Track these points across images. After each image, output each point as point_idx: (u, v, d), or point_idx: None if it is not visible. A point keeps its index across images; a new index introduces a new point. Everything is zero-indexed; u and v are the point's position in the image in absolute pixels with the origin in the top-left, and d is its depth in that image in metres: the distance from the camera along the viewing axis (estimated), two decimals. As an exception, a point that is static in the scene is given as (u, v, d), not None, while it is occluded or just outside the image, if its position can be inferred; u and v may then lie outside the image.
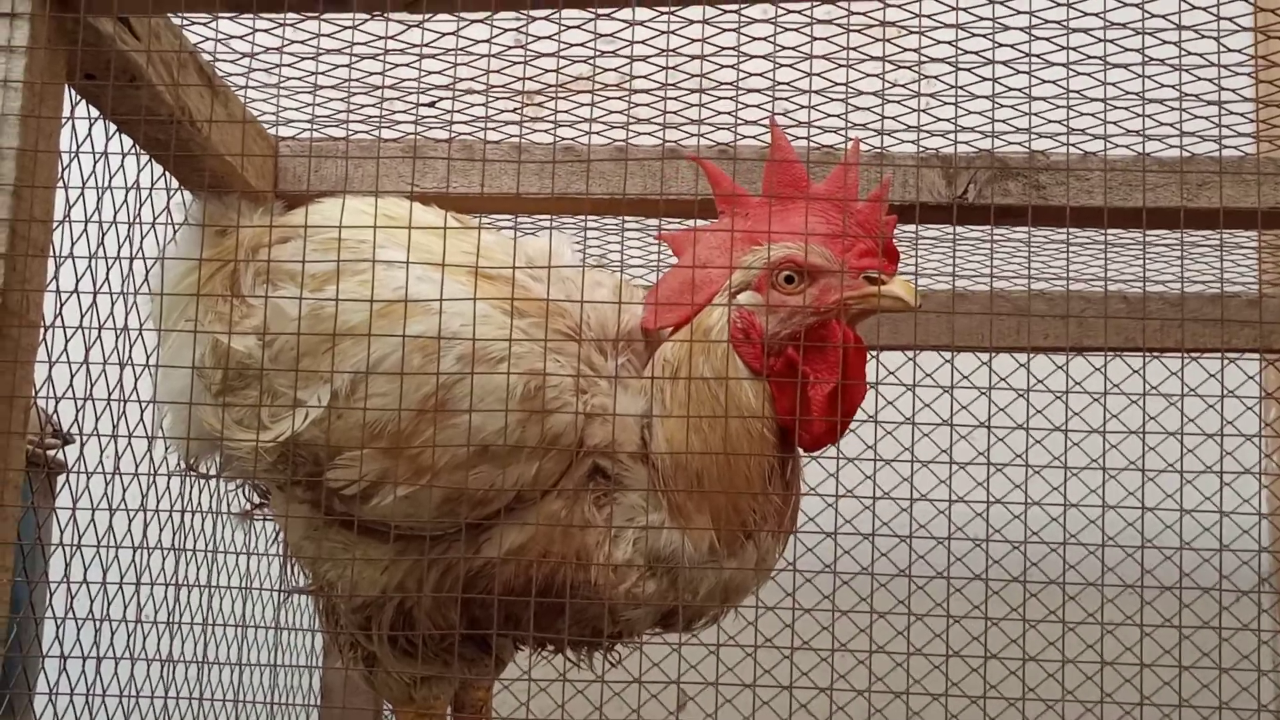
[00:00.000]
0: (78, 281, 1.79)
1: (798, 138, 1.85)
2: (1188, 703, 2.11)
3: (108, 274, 1.85)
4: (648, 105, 1.97)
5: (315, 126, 2.05)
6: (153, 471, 1.92)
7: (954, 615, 1.77)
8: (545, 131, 2.04)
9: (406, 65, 1.82)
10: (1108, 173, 1.94)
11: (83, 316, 1.82)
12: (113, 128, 1.81)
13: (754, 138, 2.10)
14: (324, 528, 1.73)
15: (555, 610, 1.68)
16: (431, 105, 1.97)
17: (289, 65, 1.79)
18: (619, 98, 1.90)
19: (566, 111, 1.93)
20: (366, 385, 1.63)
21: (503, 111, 1.97)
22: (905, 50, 1.89)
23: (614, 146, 2.10)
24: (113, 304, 1.87)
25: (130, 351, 1.91)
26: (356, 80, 1.86)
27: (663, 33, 1.80)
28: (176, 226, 1.89)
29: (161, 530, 1.91)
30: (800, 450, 1.71)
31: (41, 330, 1.59)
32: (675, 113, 1.97)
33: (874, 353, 2.82)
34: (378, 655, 1.78)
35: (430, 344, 1.62)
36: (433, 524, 1.66)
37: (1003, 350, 2.78)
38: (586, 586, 1.68)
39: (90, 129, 1.78)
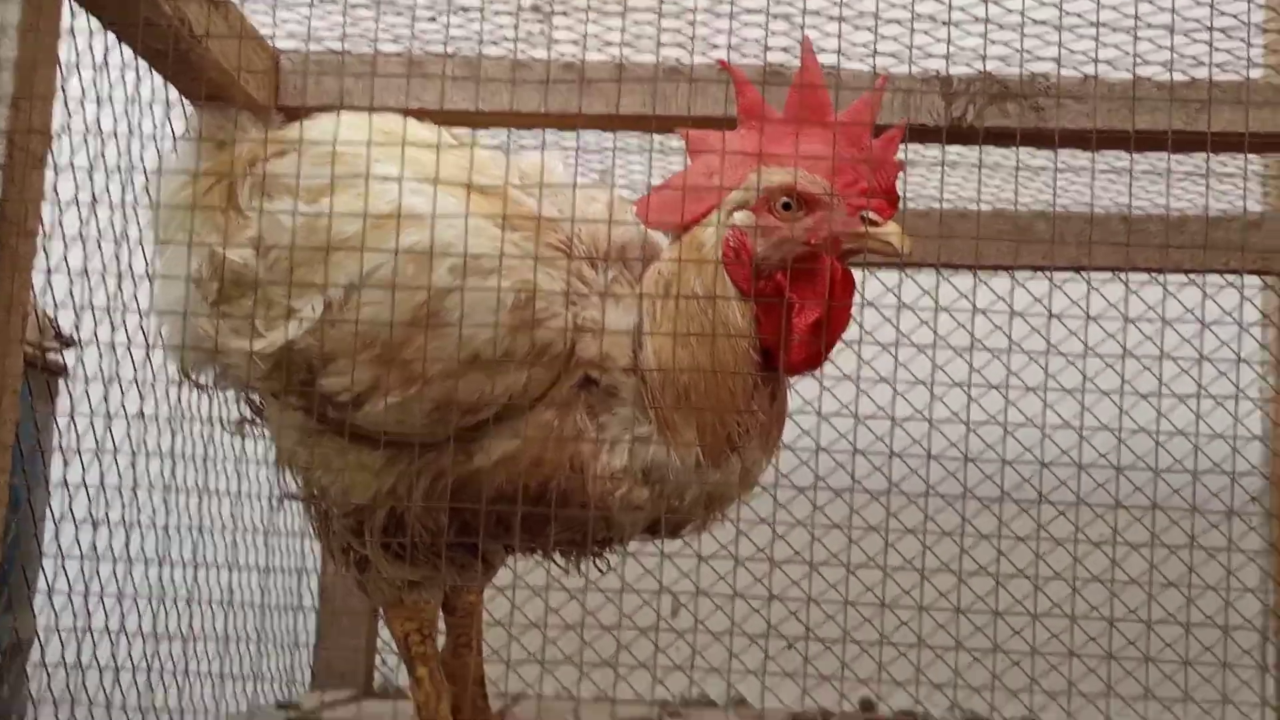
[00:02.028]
0: (77, 192, 1.81)
1: (794, 57, 1.85)
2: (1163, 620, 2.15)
3: (106, 185, 1.86)
4: (647, 23, 1.96)
5: (315, 40, 2.05)
6: (151, 380, 1.95)
7: (930, 530, 1.80)
8: (543, 48, 2.04)
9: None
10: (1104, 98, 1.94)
11: (82, 226, 1.83)
12: (112, 38, 1.82)
13: (752, 56, 2.10)
14: (317, 435, 1.77)
15: (547, 517, 1.71)
16: (431, 20, 1.97)
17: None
18: (617, 13, 1.90)
19: (564, 28, 1.93)
20: (359, 295, 1.66)
21: (502, 27, 1.97)
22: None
23: (612, 64, 2.10)
24: (111, 214, 1.88)
25: (129, 261, 1.93)
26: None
27: (660, -50, 1.79)
28: (176, 138, 1.90)
29: (159, 437, 1.95)
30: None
31: (39, 239, 1.61)
32: (673, 30, 1.97)
33: (872, 270, 2.83)
34: (370, 560, 1.81)
35: (423, 256, 1.65)
36: (423, 431, 1.69)
37: (1026, 267, 2.78)
38: (580, 494, 1.71)
39: (90, 40, 1.78)
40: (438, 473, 1.72)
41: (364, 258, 1.66)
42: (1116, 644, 2.23)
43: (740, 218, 1.69)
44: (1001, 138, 2.06)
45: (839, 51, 1.79)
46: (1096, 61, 1.87)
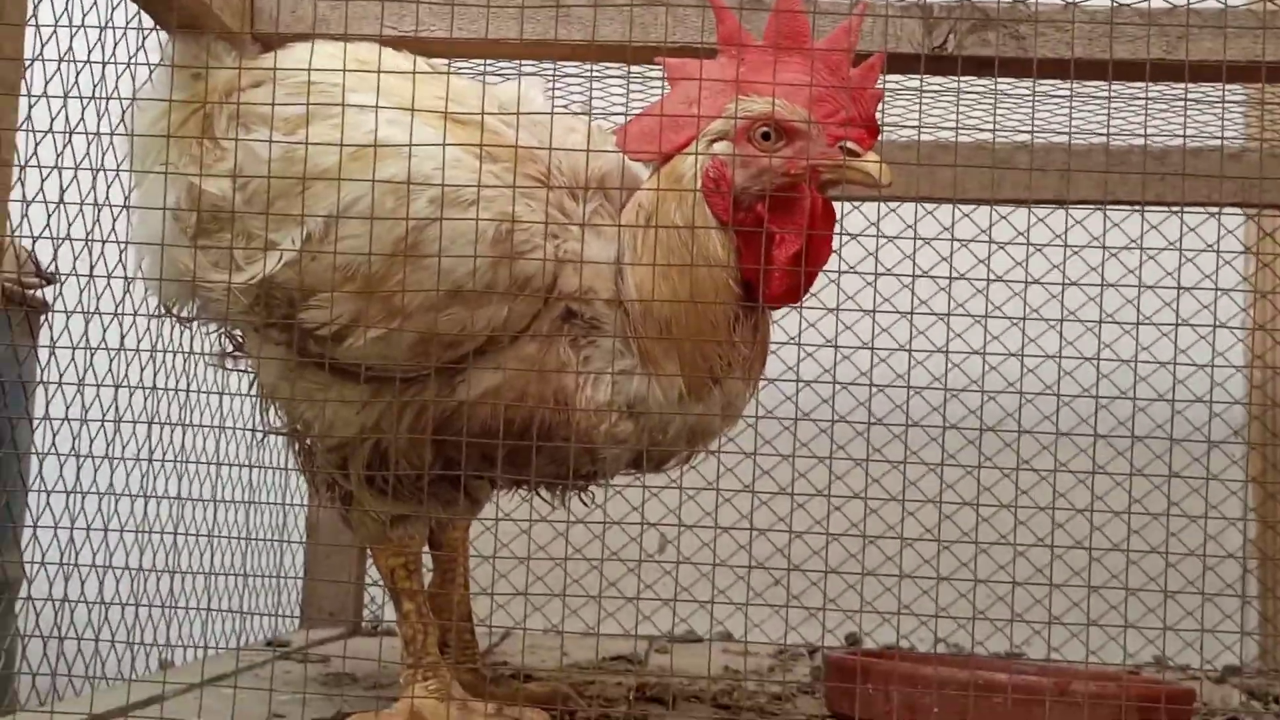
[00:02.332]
0: (52, 121, 1.79)
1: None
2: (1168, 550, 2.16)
3: (82, 113, 1.85)
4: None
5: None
6: (134, 312, 1.94)
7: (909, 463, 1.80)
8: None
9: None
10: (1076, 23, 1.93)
11: (58, 156, 1.82)
12: (85, -36, 1.80)
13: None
14: (299, 369, 1.76)
15: (530, 451, 1.71)
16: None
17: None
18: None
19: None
20: (337, 228, 1.65)
21: (478, -46, 1.95)
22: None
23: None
24: (88, 144, 1.86)
25: (107, 192, 1.91)
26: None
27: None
28: (151, 67, 1.88)
29: (143, 370, 1.94)
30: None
31: (16, 170, 1.59)
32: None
33: (855, 204, 2.83)
34: (354, 495, 1.81)
35: (402, 188, 1.64)
36: (406, 365, 1.68)
37: (1004, 201, 2.78)
38: (564, 427, 1.71)
39: (63, -34, 1.76)
40: (421, 407, 1.71)
41: (341, 189, 1.65)
42: (1097, 577, 2.23)
43: (720, 148, 1.68)
44: (981, 66, 2.04)
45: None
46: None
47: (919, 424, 2.04)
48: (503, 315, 1.66)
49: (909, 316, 1.75)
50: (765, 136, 1.67)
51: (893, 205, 2.89)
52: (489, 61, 2.31)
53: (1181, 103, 2.34)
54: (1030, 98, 2.61)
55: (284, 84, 1.75)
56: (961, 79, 2.38)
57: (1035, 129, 2.72)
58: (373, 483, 1.79)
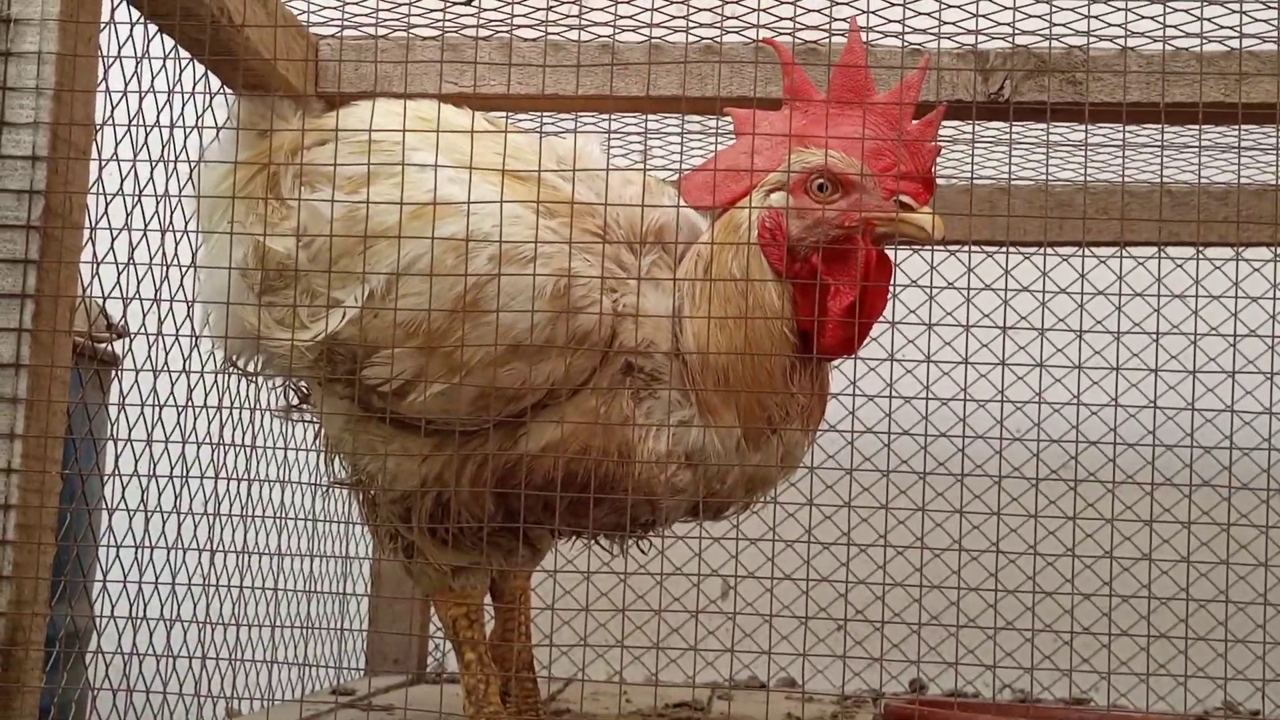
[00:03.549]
0: (121, 183, 1.83)
1: (821, 29, 1.86)
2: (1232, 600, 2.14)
3: (151, 174, 1.89)
4: (680, 2, 1.97)
5: (352, 25, 2.07)
6: (201, 368, 1.97)
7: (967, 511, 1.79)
8: (574, 29, 2.05)
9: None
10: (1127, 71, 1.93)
11: (128, 217, 1.86)
12: (153, 29, 1.84)
13: (785, 33, 2.10)
14: (362, 422, 1.79)
15: (602, 490, 1.72)
16: (467, 3, 1.98)
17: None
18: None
19: (596, 9, 1.94)
20: (398, 286, 1.68)
21: (535, 10, 1.98)
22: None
23: (647, 44, 2.10)
24: (157, 205, 1.90)
25: (176, 251, 1.95)
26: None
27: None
28: (218, 127, 1.92)
29: (210, 425, 1.97)
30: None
31: (86, 231, 1.63)
32: (702, 10, 1.97)
33: (912, 249, 2.82)
34: (416, 545, 1.83)
35: (462, 246, 1.66)
36: (467, 419, 1.71)
37: (1057, 244, 2.77)
38: (625, 479, 1.72)
39: (131, 31, 1.81)
40: (482, 459, 1.73)
41: (402, 247, 1.68)
42: (1162, 623, 2.22)
43: (776, 199, 1.70)
44: (1036, 113, 2.05)
45: (867, 27, 1.79)
46: (1127, 33, 1.85)
47: (978, 468, 2.04)
48: (561, 370, 1.68)
49: (965, 364, 1.75)
50: (821, 188, 1.69)
51: (952, 249, 2.89)
52: (547, 115, 2.33)
53: (1237, 145, 2.33)
54: (1090, 143, 2.61)
55: (347, 143, 1.78)
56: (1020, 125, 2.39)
57: (1090, 174, 2.71)
58: (435, 534, 1.81)
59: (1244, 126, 2.24)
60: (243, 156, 1.86)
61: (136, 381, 1.92)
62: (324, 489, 2.06)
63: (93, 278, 1.80)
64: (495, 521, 1.76)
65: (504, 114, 2.12)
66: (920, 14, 1.93)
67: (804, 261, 1.69)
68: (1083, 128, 2.51)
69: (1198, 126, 2.02)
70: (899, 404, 1.96)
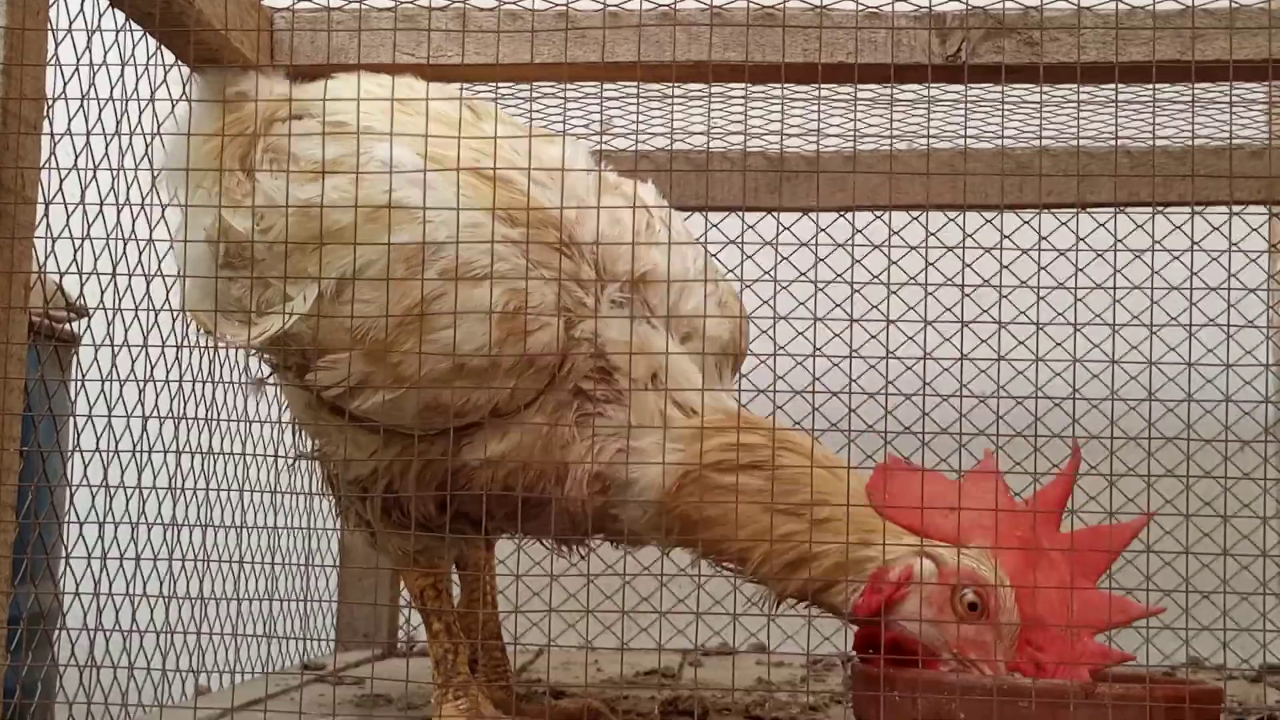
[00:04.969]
0: (76, 158, 1.80)
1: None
2: (1192, 550, 2.15)
3: (105, 149, 1.87)
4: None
5: (306, -2, 2.05)
6: (162, 343, 1.96)
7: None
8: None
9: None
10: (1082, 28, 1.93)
11: (83, 192, 1.83)
12: (104, 3, 1.82)
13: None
14: (318, 406, 1.76)
15: (536, 511, 1.72)
16: (421, -26, 1.96)
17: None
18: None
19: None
20: (352, 290, 1.64)
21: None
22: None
23: (603, 11, 2.09)
24: (114, 179, 1.88)
25: (133, 227, 1.93)
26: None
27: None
28: (190, 100, 1.88)
29: (172, 401, 1.96)
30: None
31: (39, 206, 1.62)
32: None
33: (879, 214, 2.82)
34: (374, 527, 1.83)
35: (415, 254, 1.62)
36: (415, 425, 1.69)
37: (1012, 207, 2.77)
38: (561, 500, 1.71)
39: (81, 5, 1.79)
40: (428, 460, 1.72)
41: (353, 252, 1.63)
42: (1128, 581, 2.23)
43: (926, 570, 1.61)
44: (991, 74, 2.05)
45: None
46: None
47: (943, 430, 2.04)
48: (508, 390, 1.65)
49: (924, 325, 1.75)
50: (972, 607, 1.59)
51: (914, 214, 2.89)
52: (504, 85, 2.32)
53: (1190, 103, 2.34)
54: (1048, 103, 2.61)
55: (316, 125, 1.72)
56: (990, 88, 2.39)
57: (1049, 135, 2.72)
58: (390, 515, 1.80)
59: (1198, 84, 2.25)
60: (213, 128, 1.80)
61: (96, 359, 1.91)
62: (288, 462, 2.04)
63: (48, 254, 1.79)
64: (442, 518, 1.74)
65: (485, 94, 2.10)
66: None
67: (890, 632, 1.62)
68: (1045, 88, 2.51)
69: (1152, 85, 2.02)
70: (861, 367, 1.97)
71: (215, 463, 2.04)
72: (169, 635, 2.07)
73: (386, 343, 1.63)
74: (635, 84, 2.32)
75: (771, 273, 1.76)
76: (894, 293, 1.78)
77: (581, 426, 1.69)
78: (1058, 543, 1.60)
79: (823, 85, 2.32)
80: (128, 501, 1.95)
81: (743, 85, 2.28)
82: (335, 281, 1.65)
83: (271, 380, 1.94)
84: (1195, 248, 1.86)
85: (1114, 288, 1.97)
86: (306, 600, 2.74)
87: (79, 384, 1.90)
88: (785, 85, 2.31)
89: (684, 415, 1.70)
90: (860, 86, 2.30)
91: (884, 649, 1.60)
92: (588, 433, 1.69)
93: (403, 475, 1.74)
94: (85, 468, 1.92)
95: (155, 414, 1.90)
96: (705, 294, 1.79)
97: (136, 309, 1.96)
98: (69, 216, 1.82)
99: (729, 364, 1.88)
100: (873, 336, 2.11)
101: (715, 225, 2.59)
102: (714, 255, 1.97)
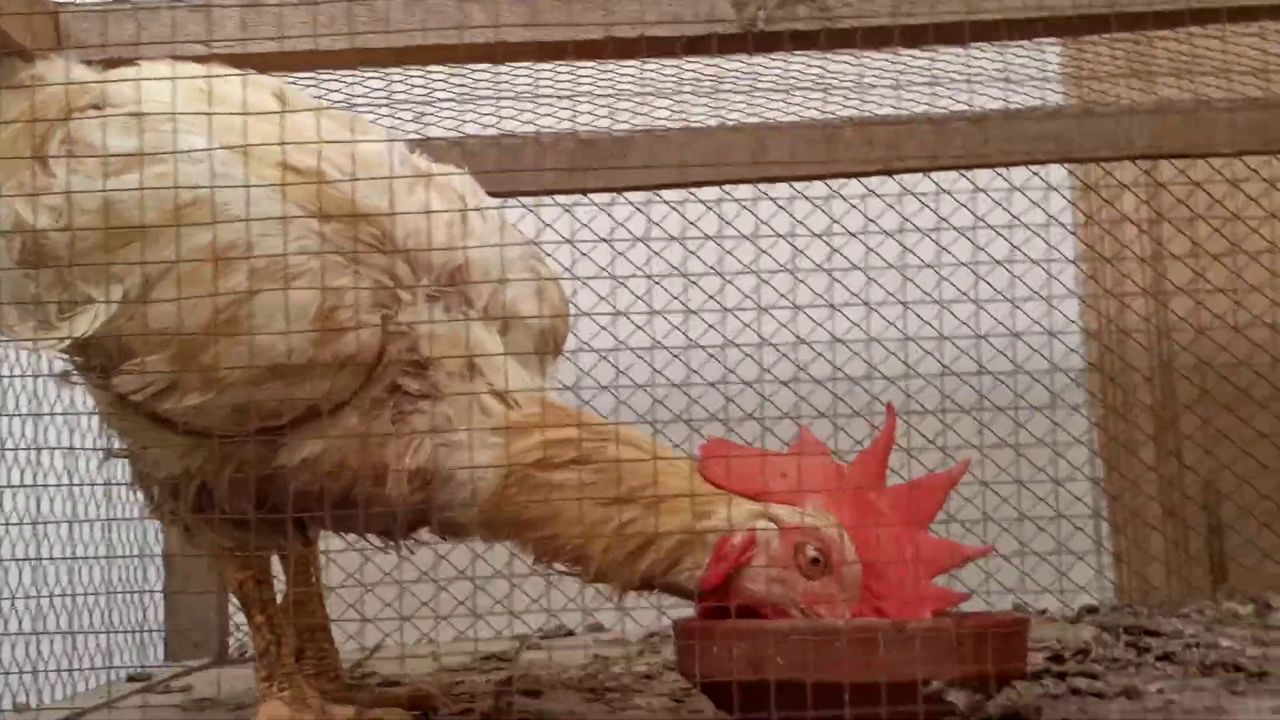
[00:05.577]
0: None
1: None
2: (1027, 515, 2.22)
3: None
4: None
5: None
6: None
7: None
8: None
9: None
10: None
11: None
12: None
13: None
14: (124, 407, 1.70)
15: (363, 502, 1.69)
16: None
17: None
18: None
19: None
20: (156, 291, 1.59)
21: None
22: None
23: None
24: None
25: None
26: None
27: None
28: None
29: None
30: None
31: None
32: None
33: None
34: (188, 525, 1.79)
35: (223, 252, 1.57)
36: (224, 428, 1.64)
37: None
38: (381, 498, 1.68)
39: None
40: (241, 462, 1.67)
41: (155, 251, 1.58)
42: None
43: (765, 535, 1.60)
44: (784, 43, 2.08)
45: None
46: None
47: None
48: (323, 390, 1.61)
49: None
50: (814, 562, 1.59)
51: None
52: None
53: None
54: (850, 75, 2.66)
55: (118, 115, 1.66)
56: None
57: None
58: (204, 511, 1.75)
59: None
60: (8, 114, 1.72)
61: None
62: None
63: None
64: (259, 513, 1.70)
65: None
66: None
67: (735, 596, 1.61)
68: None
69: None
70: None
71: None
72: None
73: (194, 345, 1.58)
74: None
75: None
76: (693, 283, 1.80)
77: (398, 423, 1.66)
78: (885, 496, 1.62)
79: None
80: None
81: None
82: (139, 281, 1.60)
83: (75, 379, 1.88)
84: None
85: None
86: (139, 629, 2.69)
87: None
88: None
89: (504, 409, 1.68)
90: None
91: (735, 615, 1.59)
92: (405, 429, 1.66)
93: (215, 475, 1.70)
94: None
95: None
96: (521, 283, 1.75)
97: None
98: None
99: (550, 356, 1.85)
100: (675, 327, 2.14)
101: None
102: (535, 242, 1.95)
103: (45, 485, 2.11)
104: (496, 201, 1.86)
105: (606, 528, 1.60)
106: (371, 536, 1.81)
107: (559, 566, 1.68)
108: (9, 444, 2.06)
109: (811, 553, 1.59)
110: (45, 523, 2.21)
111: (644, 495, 1.60)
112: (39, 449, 2.07)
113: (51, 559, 2.31)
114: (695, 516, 1.59)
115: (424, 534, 1.80)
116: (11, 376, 2.15)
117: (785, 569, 1.59)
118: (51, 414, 2.07)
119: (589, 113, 2.73)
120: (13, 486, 2.07)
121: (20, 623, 2.25)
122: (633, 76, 2.58)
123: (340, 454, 1.65)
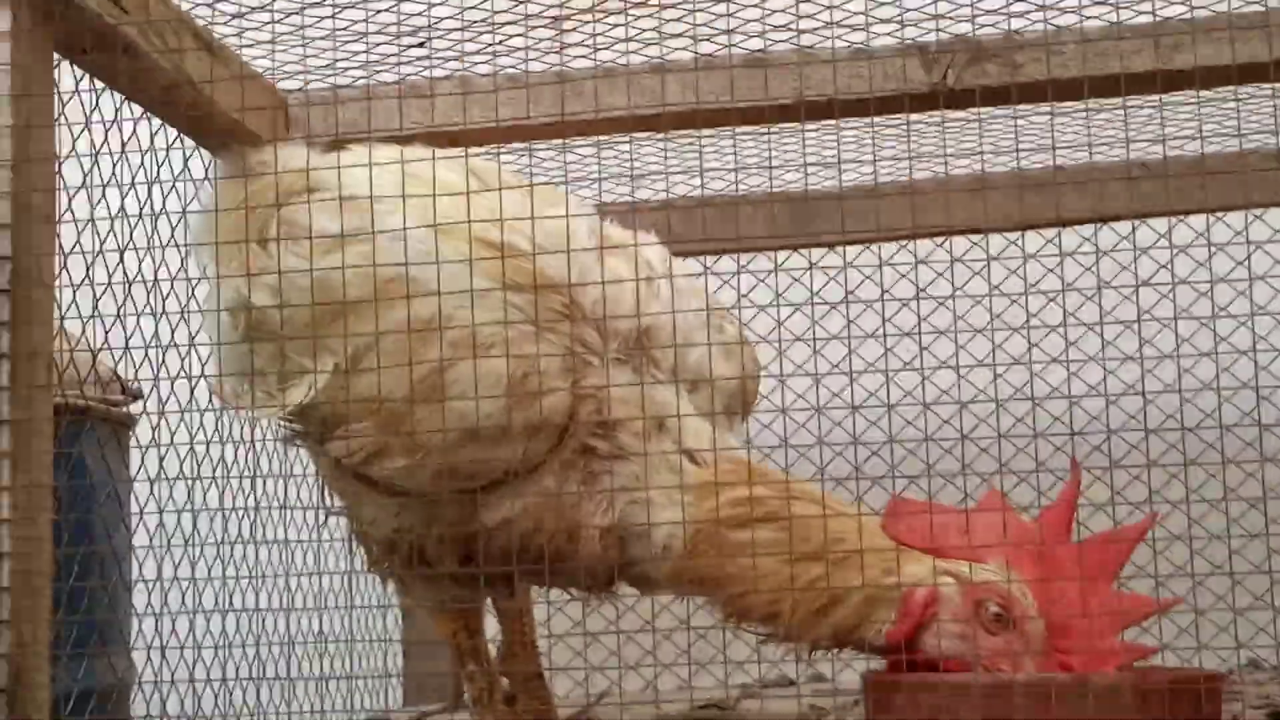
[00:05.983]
0: (101, 244, 1.90)
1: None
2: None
3: (131, 233, 1.97)
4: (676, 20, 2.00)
5: (320, 76, 2.15)
6: (206, 440, 2.04)
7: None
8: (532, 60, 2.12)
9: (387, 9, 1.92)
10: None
11: (110, 275, 1.94)
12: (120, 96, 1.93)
13: (781, 42, 2.13)
14: (341, 471, 1.80)
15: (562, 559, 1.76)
16: (420, 45, 2.05)
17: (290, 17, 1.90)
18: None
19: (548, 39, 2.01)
20: (364, 362, 1.68)
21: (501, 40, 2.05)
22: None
23: (601, 69, 2.15)
24: (139, 261, 1.99)
25: (163, 304, 2.03)
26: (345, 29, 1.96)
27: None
28: (214, 179, 1.96)
29: (216, 469, 2.05)
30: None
31: (57, 290, 1.71)
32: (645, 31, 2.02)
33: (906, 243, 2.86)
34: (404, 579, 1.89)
35: (426, 326, 1.65)
36: (430, 490, 1.73)
37: (1031, 228, 2.79)
38: (575, 555, 1.75)
39: (98, 98, 1.90)
40: (447, 522, 1.77)
41: (363, 326, 1.67)
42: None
43: (948, 590, 1.65)
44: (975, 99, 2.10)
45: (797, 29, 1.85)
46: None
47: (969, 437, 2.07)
48: (519, 453, 1.69)
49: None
50: (997, 619, 1.63)
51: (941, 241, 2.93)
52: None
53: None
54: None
55: (326, 199, 1.75)
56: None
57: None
58: (416, 567, 1.85)
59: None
60: (234, 202, 1.84)
61: (144, 461, 1.99)
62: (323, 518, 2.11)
63: (81, 333, 1.89)
64: (466, 568, 1.79)
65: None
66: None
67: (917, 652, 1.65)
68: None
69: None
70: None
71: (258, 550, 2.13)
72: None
73: (399, 413, 1.68)
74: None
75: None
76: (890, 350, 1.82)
77: (589, 484, 1.73)
78: (1068, 552, 1.62)
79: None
80: (183, 591, 2.03)
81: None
82: (350, 353, 1.69)
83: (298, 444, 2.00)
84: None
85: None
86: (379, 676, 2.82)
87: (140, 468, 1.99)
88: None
89: (693, 467, 1.73)
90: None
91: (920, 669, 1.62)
92: (595, 489, 1.73)
93: (425, 534, 1.80)
94: (140, 566, 2.02)
95: (205, 508, 1.99)
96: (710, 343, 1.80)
97: (173, 380, 2.03)
98: (98, 299, 1.91)
99: (738, 415, 1.90)
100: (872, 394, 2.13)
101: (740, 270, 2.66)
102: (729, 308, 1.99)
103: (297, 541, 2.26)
104: (687, 268, 1.92)
105: (795, 584, 1.64)
106: (573, 590, 1.89)
107: (746, 626, 1.72)
108: (264, 502, 2.23)
109: (993, 609, 1.61)
110: (296, 575, 2.36)
111: (831, 552, 1.63)
112: (289, 508, 2.22)
113: (303, 609, 2.48)
114: (880, 573, 1.62)
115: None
116: (264, 440, 2.29)
117: (967, 626, 1.61)
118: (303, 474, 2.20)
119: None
120: (267, 542, 2.21)
121: (276, 667, 2.40)
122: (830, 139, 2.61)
123: (537, 513, 1.73)
